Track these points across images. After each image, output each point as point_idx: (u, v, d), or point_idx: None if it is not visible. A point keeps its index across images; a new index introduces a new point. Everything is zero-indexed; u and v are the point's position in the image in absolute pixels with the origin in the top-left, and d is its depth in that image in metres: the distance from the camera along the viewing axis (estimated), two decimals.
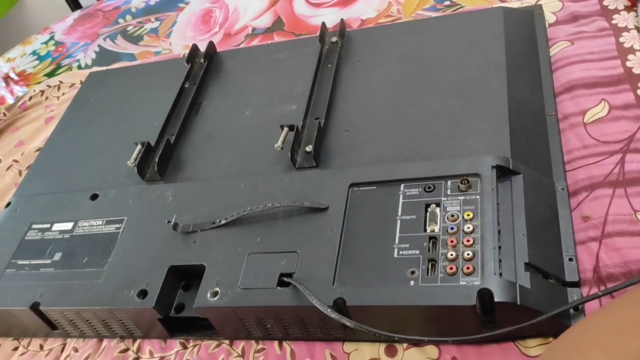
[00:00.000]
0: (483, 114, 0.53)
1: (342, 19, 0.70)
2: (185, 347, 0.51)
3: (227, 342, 0.50)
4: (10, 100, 0.97)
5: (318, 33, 0.69)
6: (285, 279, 0.46)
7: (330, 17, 0.82)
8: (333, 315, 0.42)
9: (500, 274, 0.41)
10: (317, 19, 0.84)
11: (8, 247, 0.59)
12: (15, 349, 0.58)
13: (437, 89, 0.57)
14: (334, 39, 0.68)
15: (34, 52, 1.03)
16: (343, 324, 0.42)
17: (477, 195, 0.46)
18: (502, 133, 0.50)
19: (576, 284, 0.43)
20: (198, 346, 0.51)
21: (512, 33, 0.60)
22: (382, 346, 0.46)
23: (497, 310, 0.40)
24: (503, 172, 0.47)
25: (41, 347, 0.57)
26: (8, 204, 0.65)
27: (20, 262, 0.57)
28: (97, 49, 0.96)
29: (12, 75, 1.03)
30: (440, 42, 0.62)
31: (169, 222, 0.53)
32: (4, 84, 1.03)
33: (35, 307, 0.52)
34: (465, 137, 0.52)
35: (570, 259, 0.44)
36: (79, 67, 0.95)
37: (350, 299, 0.43)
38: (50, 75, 0.95)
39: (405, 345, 0.45)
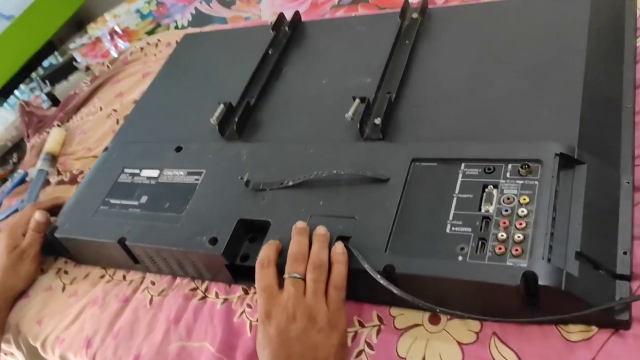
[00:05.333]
0: (555, 99, 0.53)
1: None
2: (246, 293, 0.57)
3: None
4: (114, 54, 1.06)
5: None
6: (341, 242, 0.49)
7: None
8: (382, 282, 0.45)
9: (549, 260, 0.42)
10: None
11: (104, 187, 0.67)
12: (102, 276, 0.66)
13: (513, 72, 0.57)
14: (414, 15, 0.69)
15: (137, 10, 1.11)
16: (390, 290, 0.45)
17: (536, 180, 0.47)
18: (572, 121, 0.50)
19: (627, 278, 0.43)
20: None
21: (598, 19, 0.58)
22: (427, 314, 0.48)
23: (540, 294, 0.42)
24: (568, 161, 0.47)
25: (124, 277, 0.64)
26: (106, 149, 0.72)
27: (112, 201, 0.64)
28: (193, 12, 1.02)
29: (117, 29, 1.12)
30: (523, 24, 0.62)
31: (241, 178, 0.58)
32: (109, 38, 1.12)
33: (122, 242, 0.59)
34: (533, 121, 0.52)
35: (625, 253, 0.44)
36: (176, 28, 1.02)
37: (399, 267, 0.46)
38: (150, 33, 1.03)
39: (448, 315, 0.47)
